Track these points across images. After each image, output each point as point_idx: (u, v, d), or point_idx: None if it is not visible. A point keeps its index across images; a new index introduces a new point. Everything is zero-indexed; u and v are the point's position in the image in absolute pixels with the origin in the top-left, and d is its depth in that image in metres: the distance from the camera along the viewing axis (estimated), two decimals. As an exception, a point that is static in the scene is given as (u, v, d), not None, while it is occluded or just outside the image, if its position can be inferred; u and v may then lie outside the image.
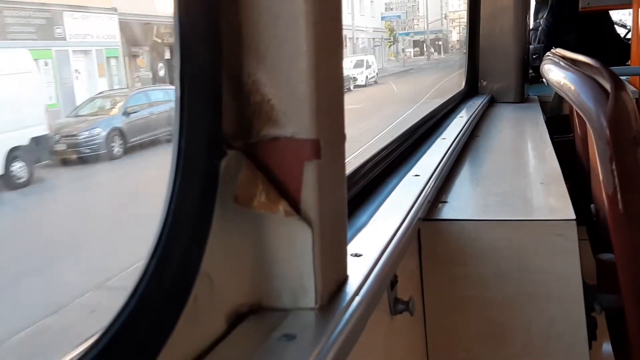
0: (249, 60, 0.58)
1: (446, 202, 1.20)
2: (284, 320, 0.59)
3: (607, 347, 1.26)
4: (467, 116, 2.03)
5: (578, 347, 1.05)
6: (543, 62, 1.43)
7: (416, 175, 1.22)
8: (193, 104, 0.53)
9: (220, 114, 0.57)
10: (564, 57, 1.20)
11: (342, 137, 0.66)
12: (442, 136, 1.67)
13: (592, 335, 1.11)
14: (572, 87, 1.00)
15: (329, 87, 0.62)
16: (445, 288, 1.09)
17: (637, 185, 0.91)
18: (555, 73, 1.16)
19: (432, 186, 1.17)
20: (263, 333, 0.58)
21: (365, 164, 1.13)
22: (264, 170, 0.60)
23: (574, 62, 1.12)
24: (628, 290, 0.96)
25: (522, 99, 2.80)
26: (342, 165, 0.67)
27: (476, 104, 2.41)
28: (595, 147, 0.98)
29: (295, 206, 0.60)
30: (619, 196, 0.92)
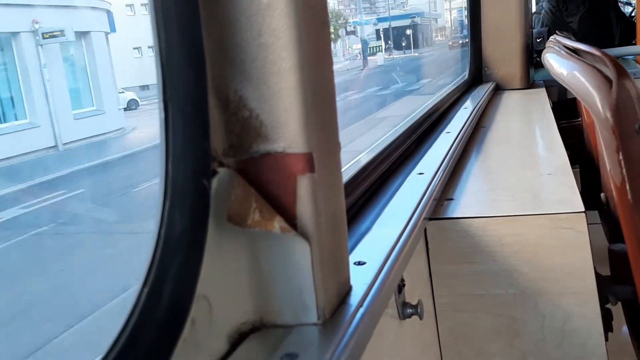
0: (235, 75, 0.57)
1: (452, 199, 1.18)
2: (285, 339, 0.58)
3: (625, 333, 1.24)
4: (472, 107, 2.01)
5: (594, 341, 1.03)
6: (544, 51, 1.41)
7: (420, 174, 1.20)
8: (179, 124, 0.52)
9: (208, 132, 0.56)
10: (565, 46, 1.18)
11: (336, 148, 0.65)
12: (447, 130, 1.65)
13: (608, 327, 1.09)
14: (574, 77, 0.98)
15: (319, 99, 0.60)
16: (455, 287, 1.08)
17: None
18: (557, 63, 1.14)
19: (437, 184, 1.15)
20: (265, 353, 0.57)
21: (367, 166, 1.12)
22: (257, 187, 0.58)
23: (575, 50, 1.09)
24: (642, 281, 0.94)
25: (527, 84, 2.76)
26: (339, 176, 0.66)
27: (481, 93, 2.38)
28: (600, 137, 0.96)
29: (291, 222, 0.59)
30: (627, 186, 0.90)
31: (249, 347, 0.59)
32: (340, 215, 0.66)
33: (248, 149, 0.58)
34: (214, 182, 0.56)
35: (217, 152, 0.58)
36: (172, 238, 0.51)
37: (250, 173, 0.59)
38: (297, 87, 0.56)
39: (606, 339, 1.06)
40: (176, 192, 0.52)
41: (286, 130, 0.57)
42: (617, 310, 1.18)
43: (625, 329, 1.23)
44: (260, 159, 0.58)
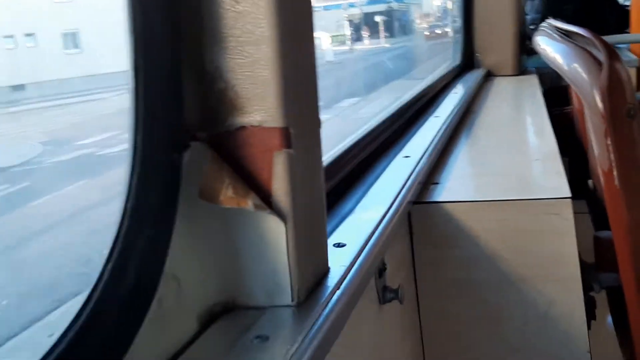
0: (211, 45, 0.54)
1: (438, 183, 1.16)
2: (257, 320, 0.56)
3: (611, 323, 1.23)
4: (462, 92, 1.99)
5: (577, 328, 1.02)
6: (536, 34, 1.39)
7: (406, 157, 1.18)
8: (149, 94, 0.50)
9: (181, 103, 0.53)
10: (557, 28, 1.15)
11: (316, 125, 0.63)
12: (435, 114, 1.63)
13: (591, 315, 1.08)
14: (564, 60, 0.96)
15: (298, 73, 0.58)
16: (439, 272, 1.06)
17: (633, 161, 0.88)
18: (548, 45, 1.12)
19: (423, 167, 1.13)
20: (235, 334, 0.55)
21: (351, 149, 1.10)
22: (231, 162, 0.56)
23: (566, 33, 1.07)
24: (626, 268, 0.93)
25: (519, 71, 2.74)
26: (318, 154, 0.64)
27: (472, 78, 2.35)
28: (589, 121, 0.94)
29: (266, 199, 0.57)
30: (614, 172, 0.88)
31: (220, 327, 0.57)
32: (319, 195, 0.64)
33: (223, 122, 0.56)
34: (186, 157, 0.54)
35: (190, 125, 0.56)
36: (139, 213, 0.49)
37: (225, 147, 0.56)
38: (275, 57, 0.54)
39: (589, 327, 1.05)
40: (145, 166, 0.50)
41: (263, 103, 0.55)
42: (601, 298, 1.17)
43: (609, 319, 1.23)
44: (235, 132, 0.56)
